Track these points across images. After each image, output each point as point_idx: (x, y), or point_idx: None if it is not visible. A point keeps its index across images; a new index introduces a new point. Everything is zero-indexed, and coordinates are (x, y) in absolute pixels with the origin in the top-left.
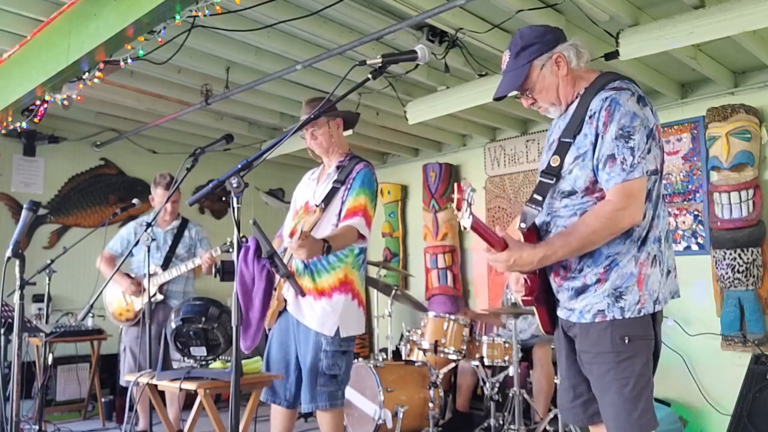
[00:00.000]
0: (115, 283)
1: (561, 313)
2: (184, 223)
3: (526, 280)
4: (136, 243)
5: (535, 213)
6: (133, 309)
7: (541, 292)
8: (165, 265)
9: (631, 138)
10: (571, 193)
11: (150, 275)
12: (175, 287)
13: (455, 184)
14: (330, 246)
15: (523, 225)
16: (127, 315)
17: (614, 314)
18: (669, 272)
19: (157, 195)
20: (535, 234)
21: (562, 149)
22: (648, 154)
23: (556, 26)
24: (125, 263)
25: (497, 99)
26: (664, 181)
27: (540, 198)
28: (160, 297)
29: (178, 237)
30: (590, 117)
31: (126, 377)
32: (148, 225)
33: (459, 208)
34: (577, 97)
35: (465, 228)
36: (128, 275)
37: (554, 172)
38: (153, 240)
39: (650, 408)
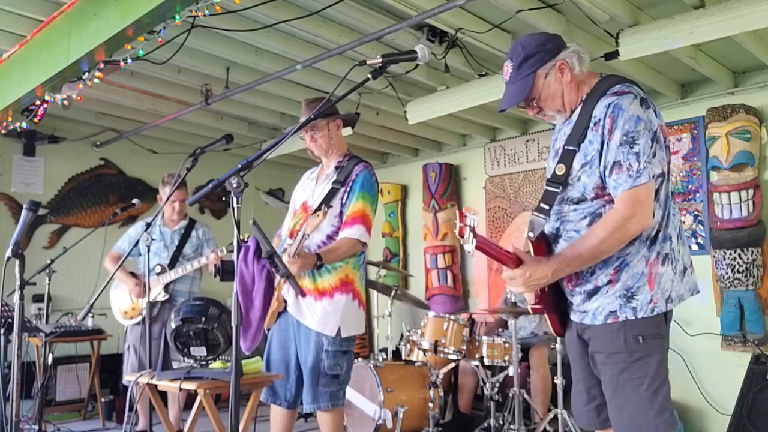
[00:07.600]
0: (121, 283)
1: (575, 316)
2: (192, 224)
3: None
4: (136, 243)
5: (543, 222)
6: (138, 308)
7: (551, 297)
8: (172, 265)
9: (636, 143)
10: (581, 200)
11: (157, 274)
12: (181, 287)
13: (458, 212)
14: (322, 262)
15: (531, 234)
16: (132, 314)
17: (627, 315)
18: (685, 269)
19: (165, 194)
20: (544, 242)
21: (567, 157)
22: (653, 158)
23: (555, 33)
24: (132, 262)
25: (503, 111)
26: None
27: (547, 207)
28: (165, 296)
29: (185, 237)
30: (595, 124)
31: (126, 377)
32: (148, 225)
33: (462, 236)
34: (580, 103)
35: (469, 252)
36: (133, 274)
37: (560, 181)
38: (153, 240)
39: (668, 407)
